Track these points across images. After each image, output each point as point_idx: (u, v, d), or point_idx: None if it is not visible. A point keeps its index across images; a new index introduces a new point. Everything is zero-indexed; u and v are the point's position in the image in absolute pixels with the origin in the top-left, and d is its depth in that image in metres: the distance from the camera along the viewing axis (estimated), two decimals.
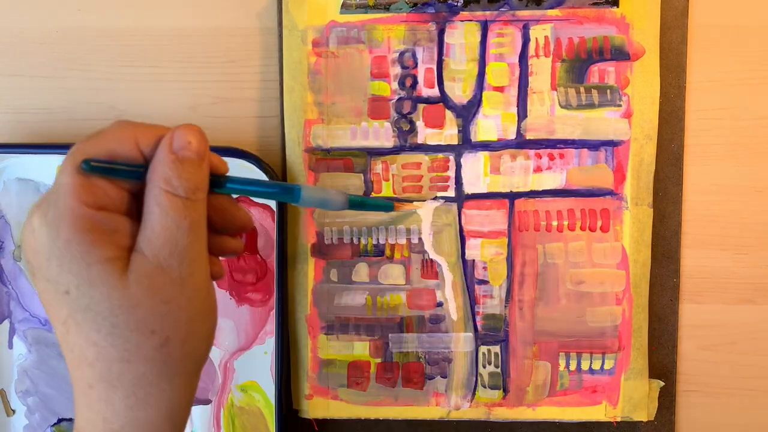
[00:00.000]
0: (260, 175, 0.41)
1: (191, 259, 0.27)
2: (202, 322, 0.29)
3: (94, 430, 0.27)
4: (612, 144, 0.41)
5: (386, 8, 0.41)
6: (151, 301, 0.26)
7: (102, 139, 0.28)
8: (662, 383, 0.43)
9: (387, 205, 0.41)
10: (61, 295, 0.26)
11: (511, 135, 0.41)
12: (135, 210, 0.28)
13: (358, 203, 0.39)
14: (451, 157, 0.42)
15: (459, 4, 0.41)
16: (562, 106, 0.41)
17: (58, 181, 0.27)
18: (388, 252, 0.42)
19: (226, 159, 0.40)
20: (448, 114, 0.42)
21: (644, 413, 0.42)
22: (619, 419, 0.43)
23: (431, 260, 0.42)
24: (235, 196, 0.32)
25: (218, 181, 0.30)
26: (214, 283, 0.30)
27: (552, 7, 0.41)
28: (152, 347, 0.26)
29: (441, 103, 0.41)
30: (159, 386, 0.27)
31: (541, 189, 0.42)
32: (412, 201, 0.42)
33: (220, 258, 0.33)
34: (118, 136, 0.28)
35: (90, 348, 0.26)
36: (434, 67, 0.41)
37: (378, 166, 0.42)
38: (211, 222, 0.30)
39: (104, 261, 0.26)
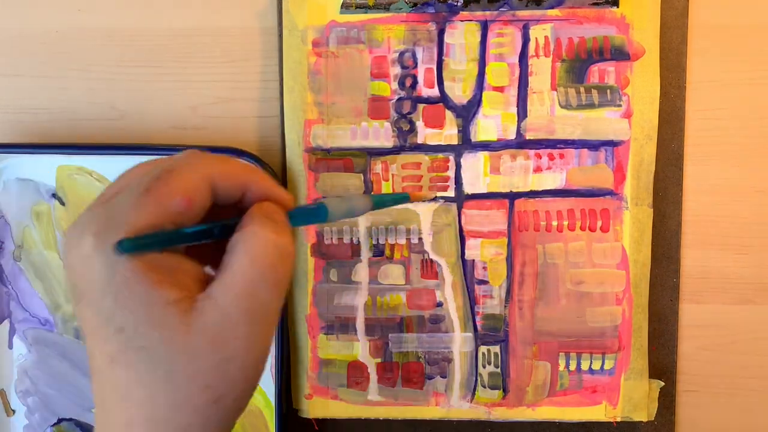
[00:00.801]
0: None
1: (269, 319, 0.25)
2: (255, 382, 0.26)
3: None
4: (612, 144, 0.41)
5: (386, 8, 0.41)
6: (212, 356, 0.24)
7: (174, 185, 0.24)
8: (662, 383, 0.43)
9: (404, 196, 0.39)
10: (114, 332, 0.23)
11: (511, 135, 0.41)
12: (194, 250, 0.26)
13: (380, 202, 0.36)
14: (451, 157, 0.42)
15: (459, 4, 0.41)
16: (562, 106, 0.41)
17: (118, 206, 0.24)
18: (388, 252, 0.42)
19: None
20: (448, 114, 0.42)
21: (644, 413, 0.42)
22: (619, 419, 0.43)
23: (431, 260, 0.42)
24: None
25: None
26: None
27: (552, 7, 0.41)
28: (203, 401, 0.24)
29: (441, 103, 0.41)
30: None
31: (541, 189, 0.42)
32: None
33: None
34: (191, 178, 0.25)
35: (139, 388, 0.24)
36: (434, 67, 0.41)
37: (378, 166, 0.42)
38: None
39: (167, 303, 0.23)
